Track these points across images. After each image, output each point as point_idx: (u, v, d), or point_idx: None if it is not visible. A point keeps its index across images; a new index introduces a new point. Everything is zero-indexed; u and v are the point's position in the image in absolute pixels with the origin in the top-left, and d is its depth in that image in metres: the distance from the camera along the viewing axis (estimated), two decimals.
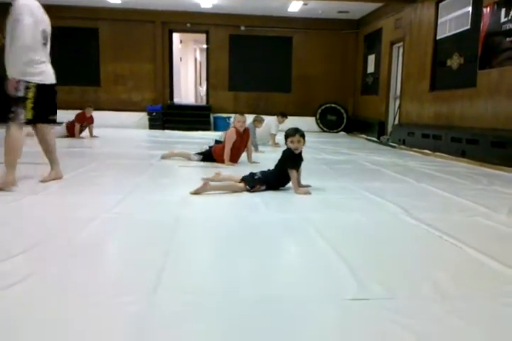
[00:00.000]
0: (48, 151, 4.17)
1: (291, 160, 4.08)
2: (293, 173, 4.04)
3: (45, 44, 3.85)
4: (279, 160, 4.16)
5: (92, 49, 12.80)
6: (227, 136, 5.77)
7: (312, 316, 1.69)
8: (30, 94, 3.74)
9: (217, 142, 6.32)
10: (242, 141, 5.85)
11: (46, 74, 3.88)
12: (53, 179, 4.17)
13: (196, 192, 3.76)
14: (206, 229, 2.91)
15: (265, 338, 1.53)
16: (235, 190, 3.93)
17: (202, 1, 11.39)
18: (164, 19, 12.95)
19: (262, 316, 1.67)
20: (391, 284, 2.00)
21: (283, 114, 8.64)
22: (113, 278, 2.05)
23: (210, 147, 6.14)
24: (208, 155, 5.94)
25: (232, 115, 13.04)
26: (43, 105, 3.87)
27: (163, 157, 6.11)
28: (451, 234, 2.81)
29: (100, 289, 1.87)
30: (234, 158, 5.84)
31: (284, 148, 4.27)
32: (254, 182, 3.98)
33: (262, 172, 4.10)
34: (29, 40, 3.63)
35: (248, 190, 3.94)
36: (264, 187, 4.03)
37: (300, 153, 4.18)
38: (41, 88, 3.81)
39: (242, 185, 3.97)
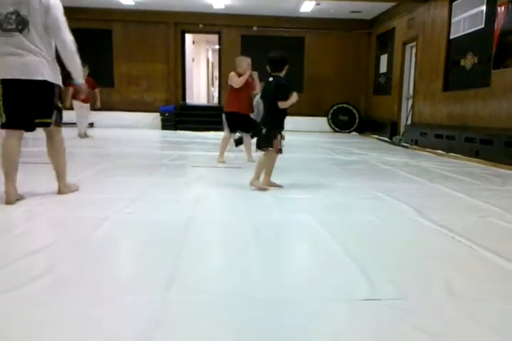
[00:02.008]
0: (52, 160, 3.61)
1: (287, 92, 3.96)
2: (286, 103, 3.93)
3: (4, 29, 3.19)
4: (272, 96, 3.97)
5: (106, 50, 12.89)
6: (231, 81, 5.61)
7: (324, 316, 1.70)
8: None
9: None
10: (247, 87, 5.65)
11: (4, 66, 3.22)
12: (60, 193, 3.63)
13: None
14: (218, 229, 2.93)
15: (277, 338, 1.53)
16: (272, 159, 4.03)
17: (214, 2, 11.43)
18: (177, 20, 13.02)
19: (274, 316, 1.68)
20: (403, 284, 2.00)
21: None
22: (126, 277, 2.07)
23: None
24: (231, 121, 5.79)
25: None
26: (19, 105, 3.26)
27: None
28: (463, 234, 2.79)
29: (113, 288, 1.89)
30: (243, 107, 5.67)
31: None
32: (269, 141, 3.97)
33: (263, 123, 4.06)
34: None
35: (278, 151, 4.00)
36: (279, 136, 4.01)
37: None
38: (7, 84, 3.22)
39: (269, 153, 3.99)
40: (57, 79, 3.38)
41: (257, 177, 4.04)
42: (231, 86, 5.69)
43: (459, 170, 5.90)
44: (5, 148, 3.30)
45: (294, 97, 3.98)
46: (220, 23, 13.06)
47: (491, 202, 3.76)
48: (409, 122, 10.39)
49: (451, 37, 8.59)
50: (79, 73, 3.47)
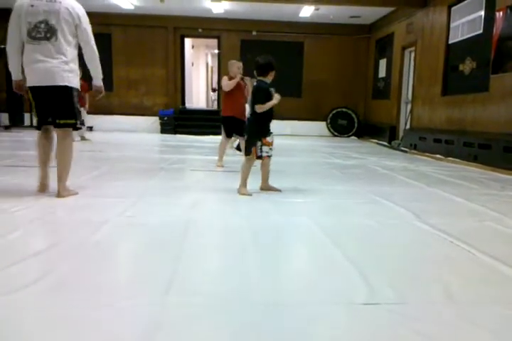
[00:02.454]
0: (57, 161, 3.72)
1: (261, 96, 3.90)
2: (263, 107, 3.88)
3: (33, 37, 3.47)
4: (252, 100, 3.95)
5: (105, 54, 12.85)
6: (222, 85, 5.61)
7: (323, 320, 1.70)
8: (30, 97, 3.64)
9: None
10: (241, 91, 5.66)
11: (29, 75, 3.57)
12: (59, 196, 3.67)
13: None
14: (217, 233, 2.93)
15: None
16: (250, 166, 3.97)
17: (214, 7, 11.47)
18: (176, 24, 13.06)
19: (273, 320, 1.68)
20: (402, 289, 2.00)
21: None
22: (125, 280, 2.07)
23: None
24: (227, 125, 5.77)
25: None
26: (45, 108, 3.64)
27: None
28: (462, 239, 2.80)
29: (112, 291, 1.89)
30: (238, 111, 5.64)
31: None
32: (249, 148, 3.95)
33: (247, 130, 4.03)
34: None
35: (258, 158, 3.95)
36: (259, 143, 3.95)
37: None
38: (35, 90, 3.59)
39: (248, 159, 3.96)
40: (76, 83, 3.69)
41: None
42: (223, 90, 5.71)
43: (458, 174, 5.91)
44: (39, 147, 3.81)
45: (275, 99, 3.88)
46: (220, 27, 13.10)
47: (490, 207, 3.77)
48: (408, 127, 10.42)
49: (450, 42, 8.63)
50: (100, 76, 3.82)
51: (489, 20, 7.29)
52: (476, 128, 7.55)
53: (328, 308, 1.79)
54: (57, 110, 3.63)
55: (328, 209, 3.64)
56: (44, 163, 3.80)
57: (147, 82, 13.30)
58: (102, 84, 3.89)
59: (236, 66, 5.65)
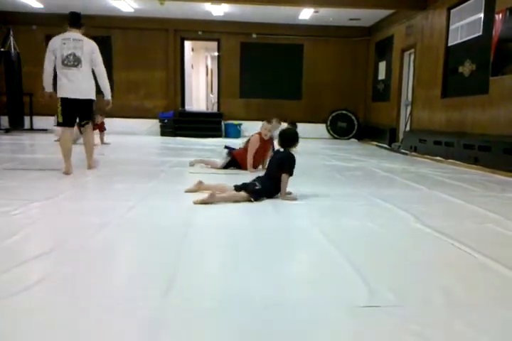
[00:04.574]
0: (86, 148, 5.48)
1: (293, 166, 4.02)
2: (287, 179, 3.99)
3: (66, 64, 5.07)
4: (278, 165, 4.04)
5: (105, 57, 12.86)
6: (250, 143, 5.74)
7: (324, 323, 1.69)
8: (59, 104, 5.15)
9: (228, 148, 6.29)
10: (266, 148, 5.82)
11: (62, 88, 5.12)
12: (89, 168, 5.44)
13: (203, 202, 3.68)
14: (217, 235, 2.93)
15: None
16: (237, 200, 3.85)
17: (213, 9, 11.49)
18: (176, 27, 13.08)
19: (273, 323, 1.67)
20: (402, 291, 2.00)
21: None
22: (125, 282, 2.06)
23: (230, 151, 6.07)
24: (231, 161, 5.92)
25: (243, 122, 13.15)
26: (72, 113, 5.19)
27: (191, 164, 6.12)
28: (462, 241, 2.79)
29: (112, 294, 1.89)
30: (255, 164, 5.83)
31: None
32: (257, 194, 3.91)
33: (260, 182, 3.99)
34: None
35: (250, 201, 3.86)
36: (265, 198, 3.98)
37: None
38: (65, 100, 5.11)
39: (244, 194, 3.88)
40: (94, 95, 5.30)
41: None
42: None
43: (458, 176, 5.91)
44: (62, 139, 5.27)
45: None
46: (220, 30, 13.12)
47: (490, 209, 3.76)
48: (408, 129, 10.42)
49: (450, 44, 8.64)
50: (108, 92, 5.38)
51: (488, 22, 7.30)
52: (476, 130, 7.55)
53: (328, 311, 1.78)
54: (83, 114, 5.29)
55: (328, 212, 3.64)
56: (69, 150, 5.16)
57: (147, 85, 13.31)
58: (110, 98, 5.40)
59: (269, 129, 5.74)
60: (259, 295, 1.92)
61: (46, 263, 2.23)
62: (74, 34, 5.16)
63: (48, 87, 5.16)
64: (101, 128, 9.21)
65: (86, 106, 5.23)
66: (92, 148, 5.56)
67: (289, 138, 4.12)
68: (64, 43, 5.07)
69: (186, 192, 4.13)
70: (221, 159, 6.14)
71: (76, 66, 5.07)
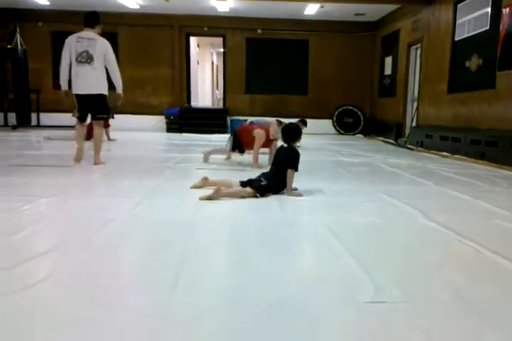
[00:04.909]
0: (94, 142, 5.71)
1: (298, 161, 4.03)
2: (292, 174, 4.00)
3: (79, 61, 5.40)
4: (283, 161, 4.05)
5: None
6: (257, 137, 5.75)
7: (329, 319, 1.70)
8: (75, 100, 5.55)
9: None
10: (268, 145, 5.89)
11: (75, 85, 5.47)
12: (96, 164, 5.58)
13: (208, 198, 3.69)
14: (223, 231, 2.94)
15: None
16: (242, 196, 3.84)
17: (219, 5, 11.46)
18: (182, 23, 13.06)
19: (279, 319, 1.68)
20: (408, 287, 2.00)
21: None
22: (130, 278, 2.08)
23: (233, 131, 6.10)
24: (235, 143, 5.97)
25: (249, 118, 13.13)
26: (86, 107, 5.55)
27: (205, 160, 6.15)
28: (469, 236, 2.79)
29: (118, 289, 1.90)
30: (250, 146, 5.88)
31: None
32: (263, 190, 3.90)
33: (265, 178, 3.98)
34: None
35: (256, 196, 3.85)
36: (271, 194, 3.98)
37: None
38: (79, 96, 5.48)
39: (250, 190, 3.87)
40: (106, 91, 5.59)
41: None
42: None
43: (465, 172, 5.88)
44: (78, 132, 5.72)
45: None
46: (225, 25, 13.10)
47: (497, 204, 3.75)
48: (414, 124, 10.37)
49: (456, 39, 8.58)
50: (120, 87, 5.62)
51: (496, 16, 7.24)
52: (482, 125, 7.50)
53: (334, 307, 1.79)
54: (96, 109, 5.59)
55: (334, 207, 3.64)
56: (81, 141, 5.63)
57: (153, 81, 13.31)
58: (121, 92, 5.66)
59: (274, 129, 5.72)
60: (264, 291, 1.92)
61: (54, 258, 2.25)
62: (88, 33, 5.50)
63: (64, 85, 5.46)
64: (106, 124, 9.22)
65: (98, 101, 5.49)
66: (100, 143, 5.70)
67: (292, 134, 4.16)
68: (78, 41, 5.41)
69: (192, 188, 4.14)
70: (227, 142, 6.19)
71: (89, 63, 5.37)
